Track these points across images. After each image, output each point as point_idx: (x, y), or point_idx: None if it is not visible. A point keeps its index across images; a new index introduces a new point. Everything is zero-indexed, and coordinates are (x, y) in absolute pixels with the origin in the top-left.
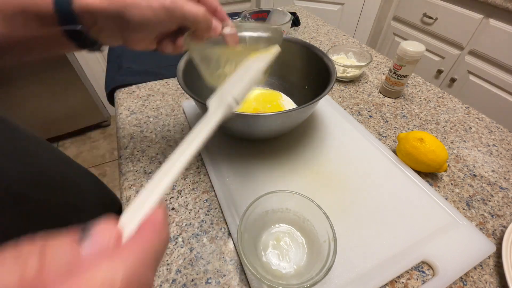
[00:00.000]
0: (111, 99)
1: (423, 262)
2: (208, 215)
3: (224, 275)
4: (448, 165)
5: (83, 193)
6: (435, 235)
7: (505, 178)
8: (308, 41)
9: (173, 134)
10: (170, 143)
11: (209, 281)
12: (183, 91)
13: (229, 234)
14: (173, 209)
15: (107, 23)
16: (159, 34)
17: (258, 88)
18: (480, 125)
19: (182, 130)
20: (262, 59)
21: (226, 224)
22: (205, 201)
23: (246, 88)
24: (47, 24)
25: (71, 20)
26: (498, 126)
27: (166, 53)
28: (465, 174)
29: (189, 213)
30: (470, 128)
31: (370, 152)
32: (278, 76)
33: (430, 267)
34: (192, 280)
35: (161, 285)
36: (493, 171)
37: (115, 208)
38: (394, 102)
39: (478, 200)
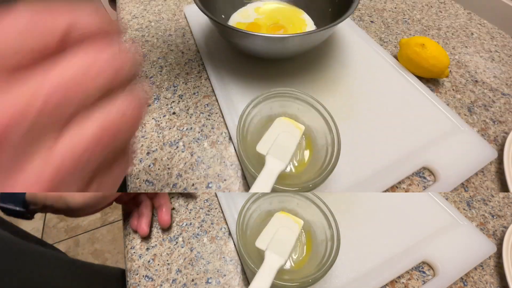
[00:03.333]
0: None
1: (423, 263)
2: (209, 214)
3: (225, 275)
4: (450, 71)
5: None
6: (436, 235)
7: (507, 84)
8: None
9: (175, 39)
10: (171, 48)
11: (210, 281)
12: None
13: (230, 234)
14: (173, 209)
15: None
16: None
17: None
18: (482, 31)
19: (184, 34)
20: (293, 131)
21: (227, 224)
22: (205, 201)
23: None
24: None
25: (16, 203)
26: (500, 32)
27: None
28: (467, 80)
29: (190, 212)
30: (472, 34)
31: (371, 57)
32: None
33: (431, 267)
34: (193, 280)
35: (161, 285)
36: (495, 77)
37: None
38: (395, 8)
39: (479, 201)
